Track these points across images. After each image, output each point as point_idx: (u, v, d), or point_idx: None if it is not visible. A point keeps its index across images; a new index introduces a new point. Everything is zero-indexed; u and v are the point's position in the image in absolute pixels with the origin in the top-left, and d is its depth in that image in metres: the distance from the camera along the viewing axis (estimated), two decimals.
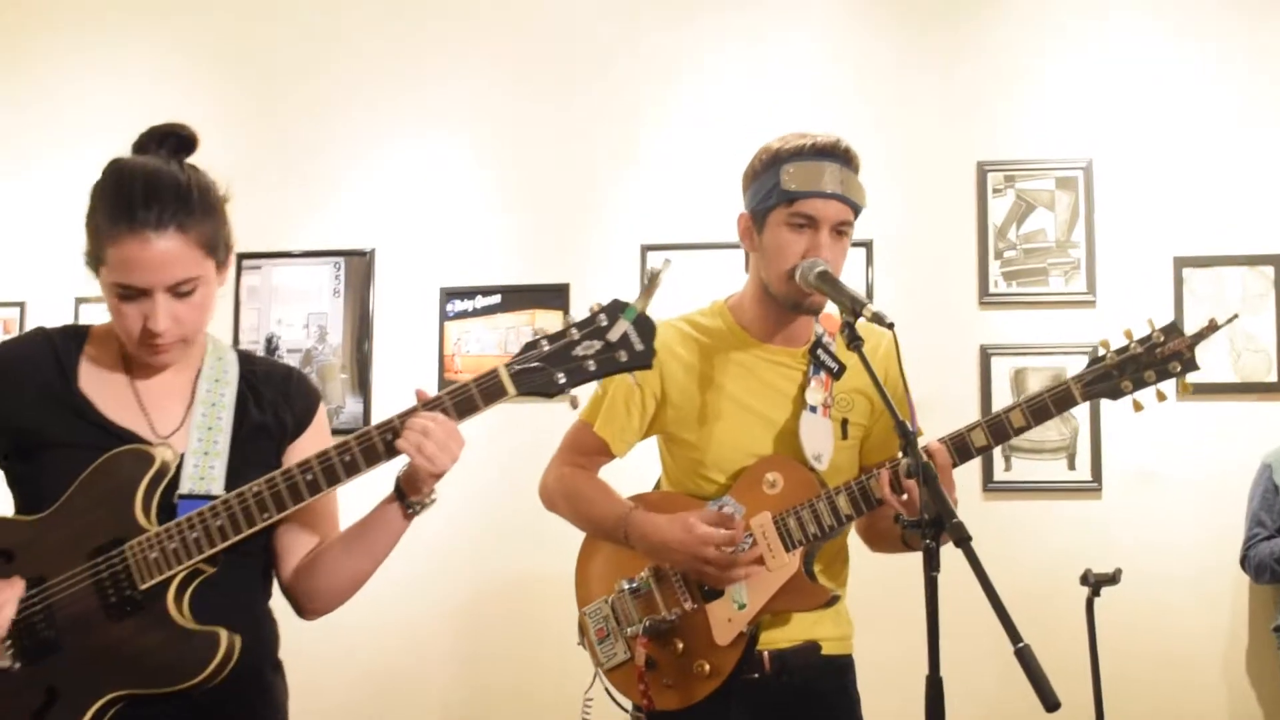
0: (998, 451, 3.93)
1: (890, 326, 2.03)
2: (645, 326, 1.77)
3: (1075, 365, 3.87)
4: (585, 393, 1.86)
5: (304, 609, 2.00)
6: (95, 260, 1.82)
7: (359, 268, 4.36)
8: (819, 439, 2.29)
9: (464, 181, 4.36)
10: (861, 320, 2.06)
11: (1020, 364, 4.02)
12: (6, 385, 1.88)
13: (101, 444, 1.83)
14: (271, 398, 1.98)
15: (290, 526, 1.95)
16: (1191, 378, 2.19)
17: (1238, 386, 3.94)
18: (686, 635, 2.28)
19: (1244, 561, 3.73)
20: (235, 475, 1.86)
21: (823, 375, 2.31)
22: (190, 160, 1.88)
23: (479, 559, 4.17)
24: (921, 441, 2.05)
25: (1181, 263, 3.99)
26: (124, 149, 1.89)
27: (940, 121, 4.15)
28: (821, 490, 2.25)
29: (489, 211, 4.33)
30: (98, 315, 1.94)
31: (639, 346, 1.76)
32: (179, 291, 1.80)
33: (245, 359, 2.02)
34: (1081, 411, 3.94)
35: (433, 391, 1.81)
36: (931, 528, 1.83)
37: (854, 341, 2.06)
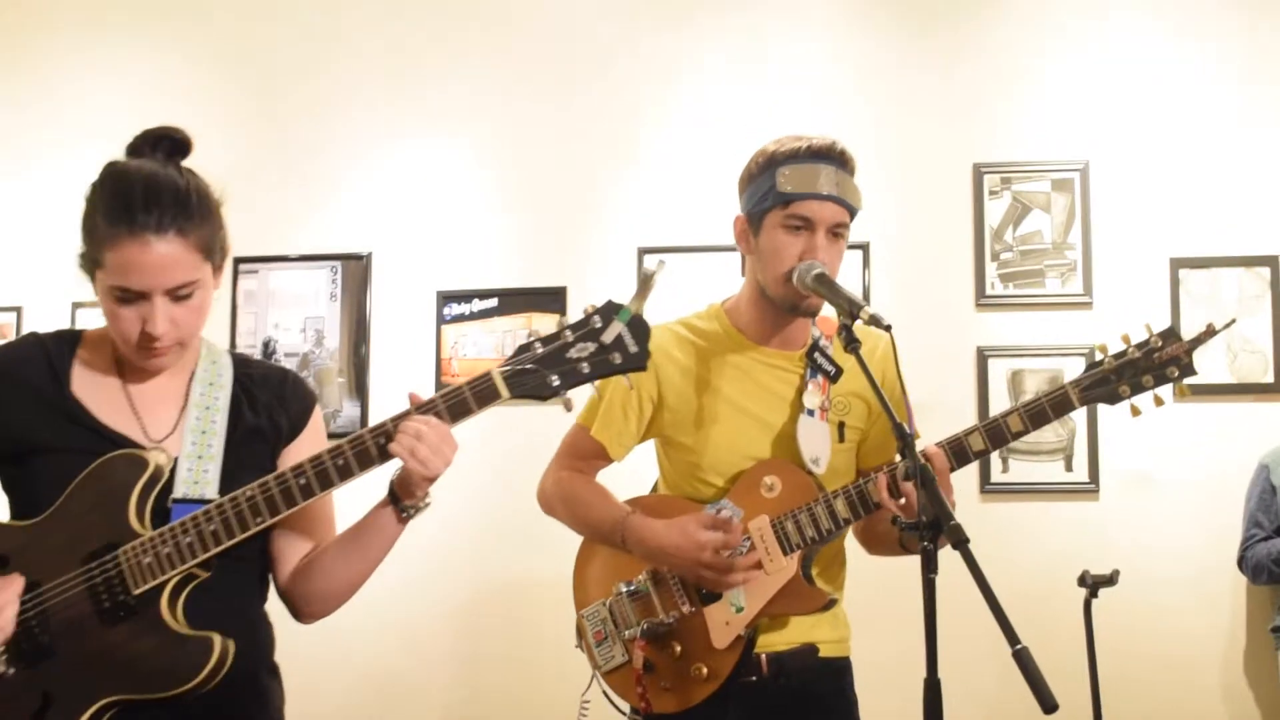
0: (995, 453, 3.92)
1: (888, 329, 2.02)
2: (639, 328, 1.75)
3: (1072, 366, 3.90)
4: (579, 396, 1.84)
5: (301, 613, 2.00)
6: (92, 263, 1.81)
7: (356, 271, 4.35)
8: (816, 442, 2.28)
9: (461, 184, 4.35)
10: (859, 323, 2.05)
11: (1017, 365, 4.02)
12: None
13: (95, 448, 1.82)
14: (266, 401, 1.97)
15: (286, 530, 1.94)
16: (1188, 380, 2.19)
17: (1234, 387, 3.93)
18: (684, 638, 2.28)
19: (1241, 562, 3.73)
20: (230, 479, 1.85)
21: (820, 378, 2.31)
22: (185, 163, 1.87)
23: (476, 562, 4.16)
24: (919, 444, 2.04)
25: (1178, 264, 3.99)
26: (123, 150, 1.88)
27: (938, 123, 4.14)
28: (819, 494, 2.25)
29: (486, 214, 4.32)
30: (94, 320, 1.93)
31: (633, 348, 1.75)
32: (177, 295, 1.79)
33: (240, 362, 2.01)
34: (1079, 413, 3.91)
35: (428, 395, 1.81)
36: (929, 530, 1.83)
37: (851, 344, 2.06)
